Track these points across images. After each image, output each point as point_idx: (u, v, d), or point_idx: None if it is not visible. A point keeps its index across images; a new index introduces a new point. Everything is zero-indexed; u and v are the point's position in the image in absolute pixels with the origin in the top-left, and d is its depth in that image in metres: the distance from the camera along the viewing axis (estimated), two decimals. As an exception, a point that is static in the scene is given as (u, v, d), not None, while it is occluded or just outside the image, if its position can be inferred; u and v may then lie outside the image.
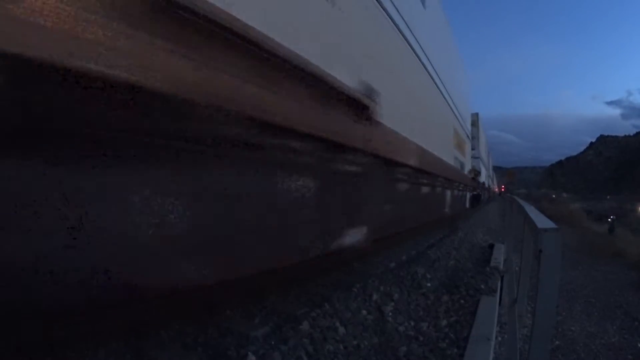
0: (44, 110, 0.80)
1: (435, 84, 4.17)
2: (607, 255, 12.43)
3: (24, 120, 0.78)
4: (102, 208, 0.96)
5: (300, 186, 1.70)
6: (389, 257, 3.42)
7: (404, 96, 2.88)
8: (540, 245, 1.39)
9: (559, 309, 6.20)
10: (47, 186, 0.86)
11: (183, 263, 1.22)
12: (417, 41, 3.15)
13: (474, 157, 9.88)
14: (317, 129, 1.58)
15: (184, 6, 0.95)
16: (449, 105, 5.24)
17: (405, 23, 2.80)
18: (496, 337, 2.33)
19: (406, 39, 2.86)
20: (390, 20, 2.52)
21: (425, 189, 4.10)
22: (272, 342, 1.66)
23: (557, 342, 5.25)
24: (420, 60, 3.30)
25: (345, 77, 1.81)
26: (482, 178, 13.26)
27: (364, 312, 2.18)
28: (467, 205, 8.93)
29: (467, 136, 8.30)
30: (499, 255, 4.18)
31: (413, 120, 3.07)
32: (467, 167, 8.19)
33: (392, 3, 2.57)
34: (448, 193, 5.87)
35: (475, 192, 10.63)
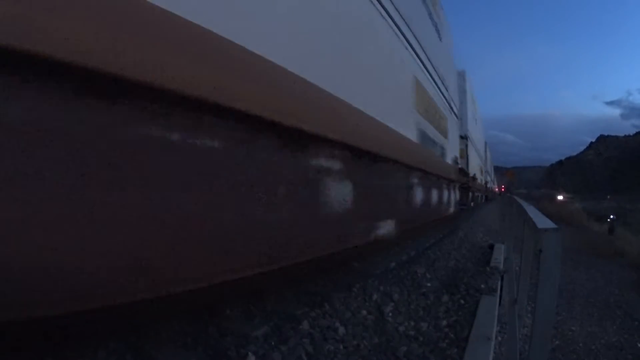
0: None
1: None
2: (607, 255, 12.44)
3: None
4: None
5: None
6: (389, 257, 3.42)
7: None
8: (540, 245, 1.40)
9: (558, 309, 6.20)
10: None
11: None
12: None
13: (460, 138, 6.93)
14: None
15: None
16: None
17: None
18: (496, 337, 2.33)
19: None
20: None
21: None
22: (272, 342, 1.67)
23: (557, 342, 5.24)
24: None
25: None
26: (473, 169, 9.17)
27: (364, 312, 2.18)
28: (452, 209, 5.51)
29: (451, 108, 5.41)
30: (499, 255, 4.18)
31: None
32: (451, 153, 5.46)
33: None
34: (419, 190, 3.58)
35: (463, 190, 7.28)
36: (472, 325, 2.10)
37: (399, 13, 2.84)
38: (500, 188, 34.35)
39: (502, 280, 3.25)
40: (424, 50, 3.56)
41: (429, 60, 3.81)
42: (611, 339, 5.74)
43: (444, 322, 2.18)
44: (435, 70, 4.15)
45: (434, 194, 4.30)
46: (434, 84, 4.14)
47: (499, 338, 2.94)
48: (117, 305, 1.11)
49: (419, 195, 3.59)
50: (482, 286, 2.89)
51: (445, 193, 5.02)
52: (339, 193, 1.97)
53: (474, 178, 9.25)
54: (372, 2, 2.37)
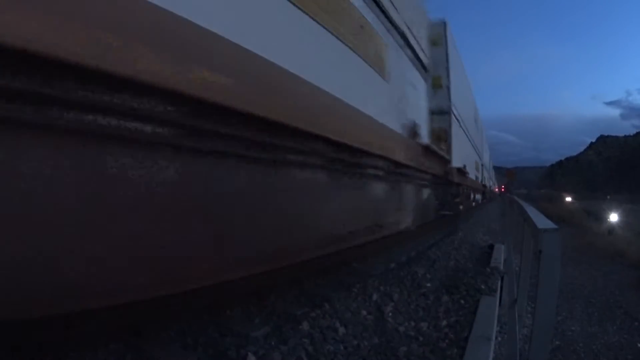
0: None
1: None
2: (607, 255, 12.44)
3: None
4: None
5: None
6: (389, 258, 3.42)
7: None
8: (540, 246, 1.40)
9: (559, 309, 6.20)
10: None
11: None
12: None
13: (440, 114, 4.77)
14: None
15: None
16: None
17: None
18: (496, 337, 2.33)
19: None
20: None
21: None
22: (272, 342, 1.67)
23: (557, 342, 5.25)
24: None
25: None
26: (463, 159, 6.32)
27: (364, 312, 2.18)
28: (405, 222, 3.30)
29: (421, 62, 3.68)
30: (499, 256, 4.17)
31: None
32: (424, 128, 3.74)
33: None
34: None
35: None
36: (472, 326, 2.10)
37: None
38: (500, 188, 34.39)
39: (502, 280, 3.25)
40: None
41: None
42: (611, 339, 5.74)
43: (444, 323, 2.18)
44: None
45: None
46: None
47: (499, 338, 2.94)
48: (117, 305, 1.11)
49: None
50: (482, 286, 2.88)
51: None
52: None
53: (462, 172, 6.14)
54: None
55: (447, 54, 5.10)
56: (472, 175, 8.43)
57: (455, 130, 5.56)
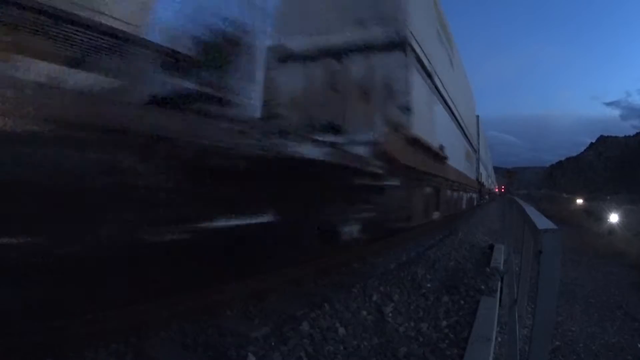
0: None
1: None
2: (607, 255, 12.43)
3: None
4: None
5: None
6: (389, 258, 3.42)
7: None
8: (540, 246, 1.39)
9: (559, 310, 6.19)
10: None
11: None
12: None
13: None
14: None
15: None
16: None
17: None
18: (496, 338, 2.33)
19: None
20: None
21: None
22: (272, 343, 1.66)
23: (557, 343, 5.24)
24: None
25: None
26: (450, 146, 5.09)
27: (364, 312, 2.18)
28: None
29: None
30: (499, 256, 4.17)
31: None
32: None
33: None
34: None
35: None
36: (472, 326, 2.10)
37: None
38: (500, 189, 34.43)
39: (502, 281, 3.24)
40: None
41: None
42: (611, 339, 5.73)
43: (444, 323, 2.18)
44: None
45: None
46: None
47: (499, 339, 2.93)
48: (117, 306, 1.11)
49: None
50: (482, 287, 2.88)
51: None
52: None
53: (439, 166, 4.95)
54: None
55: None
56: (460, 169, 6.78)
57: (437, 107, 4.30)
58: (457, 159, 6.07)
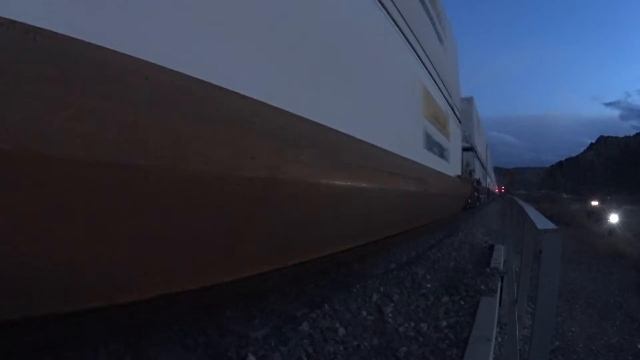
0: None
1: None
2: (607, 255, 12.43)
3: None
4: None
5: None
6: (388, 258, 3.42)
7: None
8: (540, 246, 1.39)
9: (559, 310, 6.20)
10: None
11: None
12: None
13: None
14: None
15: None
16: None
17: None
18: (496, 338, 2.33)
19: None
20: None
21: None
22: (272, 343, 1.66)
23: (557, 343, 5.24)
24: None
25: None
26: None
27: (364, 312, 2.18)
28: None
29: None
30: (499, 256, 4.17)
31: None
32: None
33: None
34: None
35: None
36: (472, 326, 2.10)
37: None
38: (500, 189, 34.55)
39: (502, 281, 3.24)
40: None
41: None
42: (611, 339, 5.73)
43: (444, 323, 2.18)
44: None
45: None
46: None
47: (499, 339, 2.93)
48: (117, 305, 1.11)
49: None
50: (482, 287, 2.88)
51: None
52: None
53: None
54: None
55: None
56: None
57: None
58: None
